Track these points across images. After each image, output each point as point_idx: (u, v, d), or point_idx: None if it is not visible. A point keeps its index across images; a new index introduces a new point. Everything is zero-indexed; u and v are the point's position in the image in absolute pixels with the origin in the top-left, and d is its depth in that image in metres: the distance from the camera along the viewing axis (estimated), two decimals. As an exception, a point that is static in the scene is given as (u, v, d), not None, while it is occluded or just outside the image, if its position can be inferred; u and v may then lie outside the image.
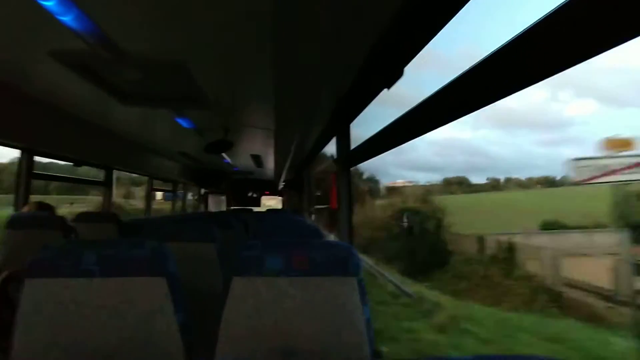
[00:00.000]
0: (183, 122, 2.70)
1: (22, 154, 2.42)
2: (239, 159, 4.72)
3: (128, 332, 0.83)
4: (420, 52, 1.06)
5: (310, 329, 0.85)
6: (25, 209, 2.05)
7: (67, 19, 1.21)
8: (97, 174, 3.60)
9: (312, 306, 0.86)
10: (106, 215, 2.74)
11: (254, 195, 8.49)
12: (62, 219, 1.82)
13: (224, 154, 4.22)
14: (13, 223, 1.76)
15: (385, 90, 1.33)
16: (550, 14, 0.58)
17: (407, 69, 1.16)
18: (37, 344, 0.80)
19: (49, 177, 2.78)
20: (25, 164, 2.40)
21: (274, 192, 8.44)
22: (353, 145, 1.89)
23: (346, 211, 1.94)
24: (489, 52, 0.73)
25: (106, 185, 3.53)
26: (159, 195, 5.93)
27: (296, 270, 0.87)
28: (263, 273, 0.86)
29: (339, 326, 0.86)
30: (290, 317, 0.85)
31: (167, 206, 6.17)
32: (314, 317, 0.85)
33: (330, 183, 2.24)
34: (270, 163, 4.82)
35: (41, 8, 1.13)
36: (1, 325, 1.02)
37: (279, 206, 8.39)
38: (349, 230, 1.94)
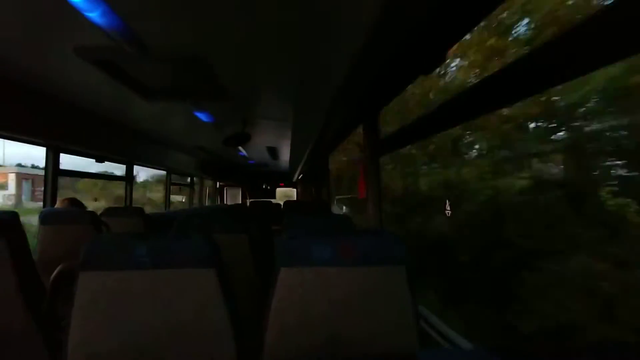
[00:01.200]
0: (202, 116, 2.71)
1: (48, 151, 2.46)
2: (255, 151, 4.72)
3: (180, 323, 0.84)
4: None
5: (358, 318, 0.85)
6: (57, 205, 2.09)
7: (93, 15, 1.20)
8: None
9: (360, 296, 0.85)
10: (132, 209, 2.78)
11: (269, 187, 8.54)
12: (93, 213, 1.85)
13: (240, 147, 4.23)
14: (45, 219, 1.80)
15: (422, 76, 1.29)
16: (583, 19, 0.61)
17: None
18: (93, 335, 0.82)
19: (74, 173, 2.83)
20: (51, 162, 2.44)
21: (288, 184, 8.47)
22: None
23: (376, 201, 1.92)
24: (529, 49, 0.75)
25: (127, 180, 3.58)
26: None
27: (344, 260, 0.86)
28: (310, 263, 0.85)
29: (387, 316, 0.85)
30: (338, 307, 0.84)
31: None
32: (362, 306, 0.85)
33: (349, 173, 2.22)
34: (285, 155, 4.81)
35: (68, 5, 1.12)
36: (57, 319, 1.05)
37: (294, 197, 8.43)
38: (380, 220, 1.92)
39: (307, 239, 0.87)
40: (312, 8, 1.11)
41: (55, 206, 2.10)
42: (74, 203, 2.01)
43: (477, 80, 0.91)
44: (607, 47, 0.56)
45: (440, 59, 1.15)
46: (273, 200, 7.41)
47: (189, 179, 5.89)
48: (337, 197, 4.61)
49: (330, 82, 1.57)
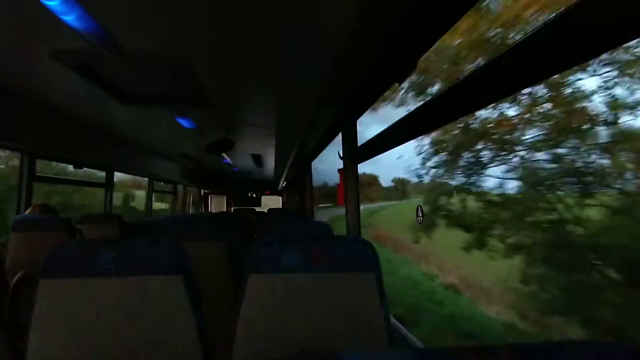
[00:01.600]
0: (184, 122, 2.68)
1: (23, 157, 2.40)
2: (239, 158, 4.70)
3: (145, 331, 0.82)
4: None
5: (329, 325, 0.84)
6: (28, 212, 2.03)
7: (70, 18, 1.19)
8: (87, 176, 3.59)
9: (330, 302, 0.85)
10: (109, 216, 2.72)
11: (254, 195, 8.48)
12: (66, 220, 1.81)
13: (224, 154, 4.20)
14: (18, 226, 1.75)
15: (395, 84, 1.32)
16: (553, 18, 0.61)
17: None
18: (52, 344, 0.79)
19: (50, 179, 2.76)
20: (27, 167, 2.38)
21: (274, 192, 8.43)
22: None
23: (354, 207, 1.93)
24: (497, 53, 0.75)
25: (107, 186, 3.51)
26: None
27: (314, 266, 0.85)
28: (280, 270, 0.85)
29: (358, 322, 0.85)
30: (309, 313, 0.84)
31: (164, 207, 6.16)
32: (333, 313, 0.84)
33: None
34: (270, 162, 4.80)
35: (44, 8, 1.11)
36: (16, 327, 1.01)
37: (279, 205, 8.38)
38: (357, 226, 1.93)
39: (278, 245, 0.87)
40: (291, 18, 1.13)
41: (27, 212, 2.04)
42: (47, 210, 1.96)
43: (455, 82, 0.92)
44: (598, 36, 0.55)
45: (412, 67, 1.19)
46: (257, 208, 7.36)
47: (172, 186, 5.81)
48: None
49: (309, 90, 1.59)
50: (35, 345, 0.78)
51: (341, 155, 2.07)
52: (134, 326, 0.82)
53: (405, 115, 1.27)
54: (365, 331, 0.85)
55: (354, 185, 1.96)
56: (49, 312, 0.80)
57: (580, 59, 0.60)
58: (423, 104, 1.13)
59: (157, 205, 6.00)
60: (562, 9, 0.59)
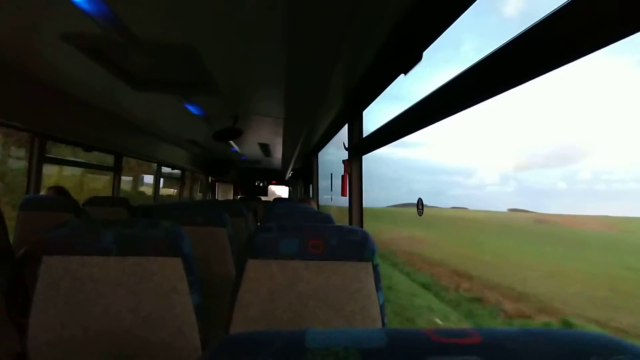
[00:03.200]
0: (192, 109, 2.70)
1: (34, 138, 2.44)
2: (247, 147, 4.71)
3: (143, 311, 0.84)
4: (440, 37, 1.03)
5: (324, 312, 0.85)
6: (43, 193, 2.08)
7: (80, 1, 1.20)
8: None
9: (326, 290, 0.86)
10: (117, 199, 2.77)
11: (261, 184, 8.52)
12: (74, 201, 1.84)
13: (232, 142, 4.21)
14: (26, 205, 1.79)
15: (402, 75, 1.31)
16: (554, 12, 0.60)
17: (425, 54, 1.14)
18: (53, 320, 0.81)
19: (60, 161, 2.81)
20: (37, 148, 2.42)
21: (281, 182, 8.45)
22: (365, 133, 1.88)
23: (357, 198, 1.94)
24: (500, 44, 0.73)
25: (116, 170, 3.56)
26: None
27: (311, 254, 0.86)
28: (278, 256, 0.86)
29: (353, 311, 0.86)
30: (304, 300, 0.85)
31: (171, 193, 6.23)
32: (328, 301, 0.85)
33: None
34: (278, 152, 4.81)
35: None
36: (19, 302, 1.04)
37: (286, 195, 8.42)
38: (359, 218, 1.94)
39: (276, 232, 0.87)
40: (297, 7, 1.12)
41: (42, 193, 2.09)
42: (60, 192, 2.00)
43: (459, 72, 0.91)
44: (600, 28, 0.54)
45: (417, 59, 1.17)
46: (264, 198, 7.40)
47: (180, 173, 5.87)
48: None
49: (316, 80, 1.58)
50: (37, 321, 0.81)
51: (346, 146, 2.07)
52: (133, 305, 0.84)
53: (410, 107, 1.25)
54: (361, 320, 0.86)
55: (358, 177, 1.96)
56: (51, 288, 0.82)
57: (591, 48, 0.58)
58: (428, 95, 1.11)
59: (165, 191, 6.07)
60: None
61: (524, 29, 0.67)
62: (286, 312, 0.85)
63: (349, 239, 0.88)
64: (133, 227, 0.87)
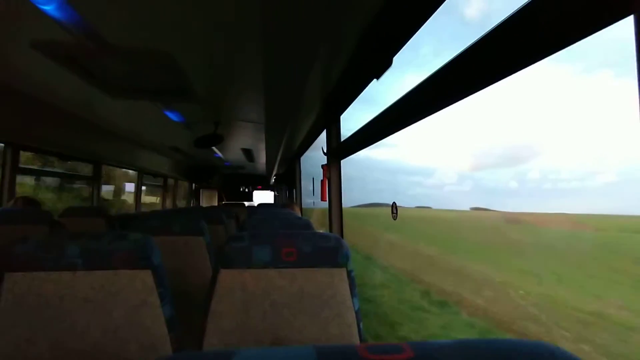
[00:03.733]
0: (172, 116, 2.67)
1: (6, 148, 2.37)
2: (230, 153, 4.68)
3: (113, 326, 0.82)
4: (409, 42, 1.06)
5: (299, 320, 0.85)
6: (10, 204, 2.01)
7: (49, 8, 1.18)
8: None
9: (301, 298, 0.85)
10: (94, 209, 2.70)
11: (246, 190, 8.46)
12: (48, 213, 1.79)
13: (214, 149, 4.18)
14: None
15: (375, 80, 1.33)
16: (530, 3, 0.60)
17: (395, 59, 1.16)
18: (18, 339, 0.78)
19: (34, 171, 2.73)
20: (10, 159, 2.35)
21: (266, 187, 8.42)
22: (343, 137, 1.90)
23: (337, 203, 1.95)
24: (475, 39, 0.73)
25: (94, 179, 3.48)
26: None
27: (284, 262, 0.86)
28: (251, 265, 0.85)
29: (328, 318, 0.86)
30: (279, 309, 0.85)
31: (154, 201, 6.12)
32: (303, 309, 0.85)
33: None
34: (261, 157, 4.79)
35: None
36: None
37: (272, 200, 8.38)
38: (339, 222, 1.95)
39: (248, 241, 0.87)
40: (274, 15, 1.13)
41: (9, 205, 2.02)
42: (29, 202, 1.95)
43: (435, 71, 0.90)
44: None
45: (388, 64, 1.20)
46: (248, 203, 7.34)
47: (162, 180, 5.78)
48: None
49: (293, 86, 1.59)
50: (0, 341, 0.78)
51: (325, 151, 2.08)
52: (102, 321, 0.82)
53: (385, 110, 1.27)
54: (336, 326, 0.86)
55: (337, 181, 1.97)
56: (15, 306, 0.79)
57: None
58: (405, 94, 1.11)
59: (147, 199, 5.95)
60: None
61: (494, 25, 0.67)
62: (261, 322, 0.84)
63: (322, 246, 0.88)
64: (100, 240, 0.84)
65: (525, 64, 0.63)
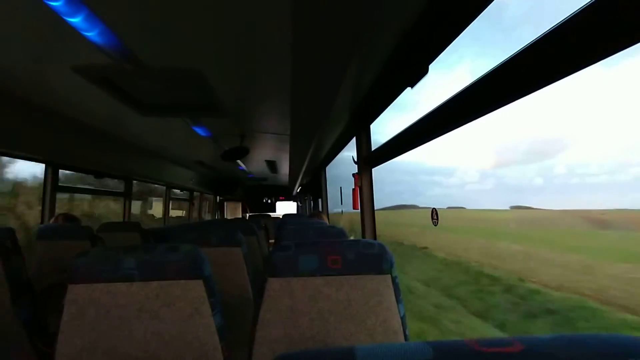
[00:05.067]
0: (200, 131, 2.74)
1: (47, 167, 2.49)
2: (254, 165, 4.75)
3: (167, 334, 0.84)
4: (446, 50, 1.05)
5: (346, 327, 0.85)
6: (52, 221, 2.10)
7: (91, 34, 1.24)
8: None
9: (346, 305, 0.85)
10: (129, 224, 2.79)
11: (269, 201, 8.54)
12: (89, 229, 1.86)
13: (239, 161, 4.25)
14: (42, 234, 1.81)
15: (409, 88, 1.32)
16: (561, 23, 0.61)
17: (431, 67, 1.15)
18: (80, 348, 0.82)
19: (73, 189, 2.85)
20: (50, 177, 2.46)
21: (288, 197, 8.47)
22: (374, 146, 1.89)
23: (369, 211, 1.93)
24: (509, 54, 0.74)
25: (126, 195, 3.60)
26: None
27: (330, 270, 0.86)
28: (298, 273, 0.86)
29: (375, 324, 0.85)
30: (326, 316, 0.85)
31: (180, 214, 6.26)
32: (349, 316, 0.85)
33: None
34: (284, 168, 4.84)
35: (67, 25, 1.16)
36: (44, 333, 1.05)
37: (294, 211, 8.41)
38: (372, 230, 1.93)
39: (294, 250, 0.88)
40: (302, 24, 1.14)
41: (51, 221, 2.11)
42: (69, 218, 2.03)
43: (471, 82, 0.92)
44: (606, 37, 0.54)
45: (423, 72, 1.19)
46: (272, 214, 7.40)
47: (188, 194, 5.91)
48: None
49: (322, 95, 1.60)
50: (63, 349, 0.81)
51: (355, 159, 2.08)
52: (157, 329, 0.84)
53: (419, 119, 1.26)
54: (382, 333, 0.85)
55: (369, 189, 1.96)
56: (77, 316, 0.83)
57: (593, 59, 0.59)
58: (437, 106, 1.12)
59: (173, 212, 6.10)
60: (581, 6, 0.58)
61: (533, 39, 0.68)
62: (308, 329, 0.84)
63: (366, 253, 0.88)
64: (154, 252, 0.88)
65: (561, 76, 0.64)
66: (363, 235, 1.99)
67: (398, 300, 0.87)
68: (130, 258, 0.86)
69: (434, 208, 1.42)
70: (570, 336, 0.29)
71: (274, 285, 0.86)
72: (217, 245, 1.55)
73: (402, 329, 0.87)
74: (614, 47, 0.54)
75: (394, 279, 0.88)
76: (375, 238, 1.94)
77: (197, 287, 0.86)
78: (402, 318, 0.87)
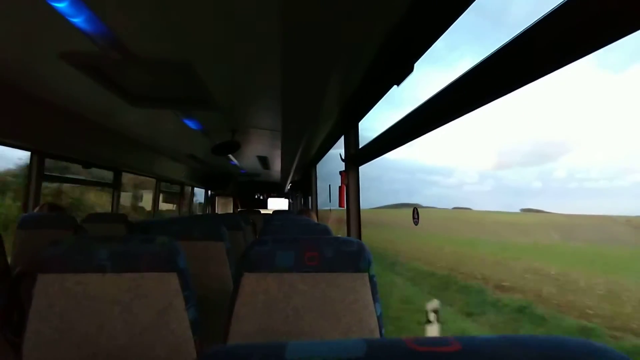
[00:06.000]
0: (190, 124, 2.72)
1: (32, 156, 2.45)
2: (246, 160, 4.73)
3: (139, 327, 0.83)
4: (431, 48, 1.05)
5: (321, 325, 0.85)
6: (36, 210, 2.07)
7: (78, 20, 1.22)
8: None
9: (322, 302, 0.85)
10: (115, 216, 2.77)
11: (261, 197, 8.52)
12: (72, 219, 1.84)
13: (230, 156, 4.23)
14: (24, 223, 1.79)
15: (395, 86, 1.33)
16: (548, 14, 0.59)
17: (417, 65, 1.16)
18: (48, 339, 0.81)
19: (59, 178, 2.81)
20: (35, 166, 2.43)
21: (280, 194, 8.46)
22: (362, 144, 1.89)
23: (355, 209, 1.94)
24: (495, 48, 0.73)
25: (115, 186, 3.56)
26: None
27: (307, 266, 0.86)
28: (274, 269, 0.85)
29: (350, 323, 0.85)
30: (301, 313, 0.85)
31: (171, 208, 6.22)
32: (325, 313, 0.85)
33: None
34: (276, 164, 4.83)
35: (53, 10, 1.14)
36: (14, 321, 1.04)
37: (286, 207, 8.40)
38: (357, 228, 1.94)
39: (271, 245, 0.87)
40: (292, 21, 1.14)
41: (35, 210, 2.08)
42: (53, 208, 2.00)
43: (458, 76, 0.90)
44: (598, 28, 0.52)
45: (408, 70, 1.19)
46: (263, 210, 7.39)
47: (179, 187, 5.87)
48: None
49: (312, 92, 1.60)
50: (31, 340, 0.80)
51: (343, 157, 2.08)
52: (128, 322, 0.83)
53: (406, 116, 1.26)
54: (358, 332, 0.85)
55: (355, 187, 1.97)
56: (46, 306, 0.82)
57: (584, 51, 0.57)
58: (424, 102, 1.12)
59: (164, 206, 6.06)
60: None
61: (519, 31, 0.66)
62: (283, 325, 0.84)
63: (344, 250, 0.88)
64: (128, 243, 0.87)
65: (550, 69, 0.62)
66: (348, 234, 2.00)
67: (375, 299, 0.87)
68: (103, 249, 0.85)
69: (415, 207, 1.43)
70: (511, 337, 0.28)
71: (249, 280, 0.85)
72: (200, 239, 1.55)
73: (378, 327, 0.87)
74: (597, 43, 0.53)
75: (371, 278, 0.88)
76: (360, 236, 1.95)
77: (171, 280, 0.86)
78: (379, 317, 0.87)
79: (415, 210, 1.42)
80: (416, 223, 1.41)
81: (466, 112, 0.90)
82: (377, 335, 0.86)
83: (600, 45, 0.53)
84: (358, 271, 0.87)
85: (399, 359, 0.26)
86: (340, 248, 0.88)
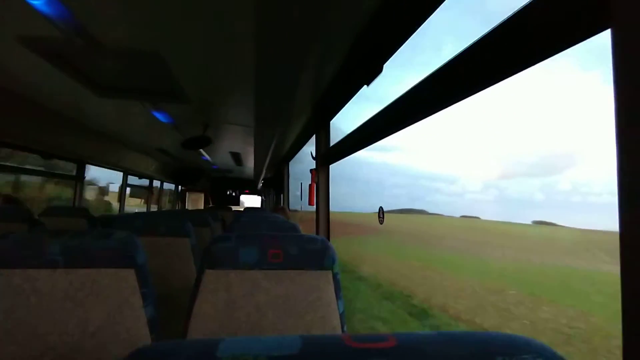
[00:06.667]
0: (160, 117, 2.64)
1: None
2: (218, 156, 4.65)
3: (92, 326, 0.80)
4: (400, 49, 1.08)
5: (283, 322, 0.85)
6: None
7: (38, 3, 1.16)
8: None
9: (285, 300, 0.85)
10: (76, 209, 2.64)
11: (234, 194, 8.40)
12: (28, 211, 1.75)
13: (202, 151, 4.14)
14: None
15: (365, 86, 1.35)
16: (523, 8, 0.58)
17: (386, 66, 1.18)
18: None
19: (15, 169, 2.65)
20: None
21: (253, 191, 8.37)
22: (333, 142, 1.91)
23: (324, 208, 1.96)
24: (465, 46, 0.72)
25: (77, 179, 3.41)
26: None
27: (270, 264, 0.86)
28: (236, 266, 0.85)
29: (313, 320, 0.86)
30: (264, 310, 0.85)
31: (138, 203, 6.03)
32: (287, 310, 0.85)
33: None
34: (250, 161, 4.77)
35: None
36: None
37: (259, 204, 8.33)
38: (326, 227, 1.95)
39: (234, 241, 0.87)
40: (266, 18, 1.14)
41: None
42: (8, 200, 1.90)
43: (421, 80, 0.89)
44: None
45: (378, 71, 1.22)
46: (235, 207, 7.29)
47: (148, 182, 5.69)
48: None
49: (284, 90, 1.60)
50: None
51: (313, 155, 2.09)
52: (81, 320, 0.80)
53: (375, 114, 1.28)
54: (320, 329, 0.86)
55: (325, 186, 1.98)
56: None
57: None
58: (394, 100, 1.12)
59: (132, 201, 5.85)
60: None
61: (494, 25, 0.64)
62: (244, 324, 0.83)
63: (309, 248, 0.89)
64: (83, 238, 0.83)
65: (521, 67, 0.60)
66: (317, 232, 2.01)
67: (338, 297, 0.88)
68: (55, 243, 0.80)
69: (380, 207, 1.46)
70: (447, 333, 0.29)
71: (211, 277, 0.84)
72: (164, 235, 1.51)
73: (340, 324, 0.88)
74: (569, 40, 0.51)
75: (335, 275, 0.89)
76: (328, 235, 1.97)
77: (128, 277, 0.83)
78: (342, 314, 0.89)
79: (381, 209, 1.45)
80: (381, 222, 1.44)
81: (436, 110, 0.89)
82: (339, 331, 0.87)
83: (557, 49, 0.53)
84: (322, 269, 0.88)
85: (334, 355, 0.26)
86: (304, 246, 0.89)
